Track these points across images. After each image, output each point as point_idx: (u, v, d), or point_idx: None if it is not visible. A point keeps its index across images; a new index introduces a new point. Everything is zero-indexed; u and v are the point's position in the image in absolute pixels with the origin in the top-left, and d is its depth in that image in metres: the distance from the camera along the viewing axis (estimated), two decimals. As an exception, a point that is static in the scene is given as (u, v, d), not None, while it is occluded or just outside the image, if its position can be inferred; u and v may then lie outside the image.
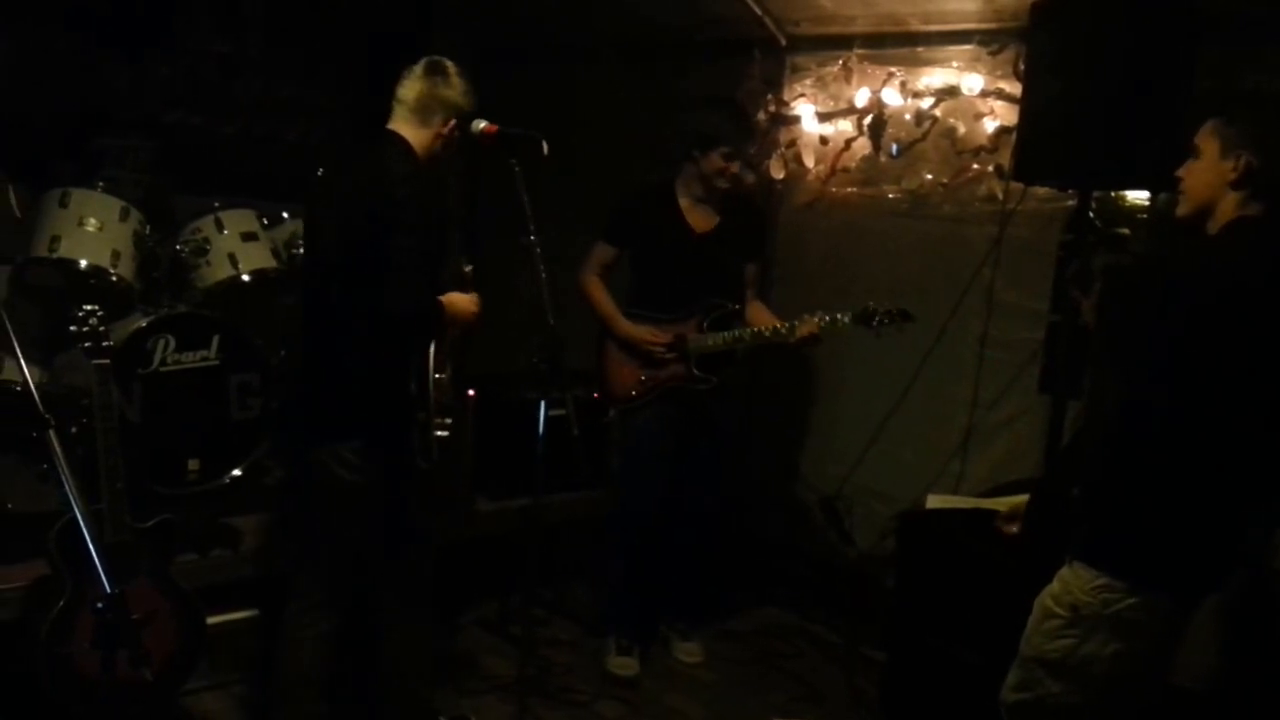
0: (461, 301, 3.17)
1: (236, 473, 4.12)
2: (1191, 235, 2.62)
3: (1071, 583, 2.64)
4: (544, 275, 2.98)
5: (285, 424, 3.21)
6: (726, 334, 4.10)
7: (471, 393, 4.33)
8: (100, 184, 4.10)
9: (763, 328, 4.08)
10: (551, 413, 3.07)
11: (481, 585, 4.53)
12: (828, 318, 3.91)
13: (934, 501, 3.88)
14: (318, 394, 3.14)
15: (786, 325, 3.99)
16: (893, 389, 4.54)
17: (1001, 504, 3.63)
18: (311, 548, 3.27)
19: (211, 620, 3.60)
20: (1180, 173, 2.61)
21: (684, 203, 4.18)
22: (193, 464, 4.01)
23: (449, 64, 3.14)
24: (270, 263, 4.25)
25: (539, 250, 2.98)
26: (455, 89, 3.12)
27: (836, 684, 4.34)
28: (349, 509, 3.13)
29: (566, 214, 4.14)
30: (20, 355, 2.42)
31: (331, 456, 3.05)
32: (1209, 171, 2.53)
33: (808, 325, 3.92)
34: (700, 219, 4.19)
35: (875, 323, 3.84)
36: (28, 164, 3.90)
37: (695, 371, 4.11)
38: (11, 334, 2.49)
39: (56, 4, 4.77)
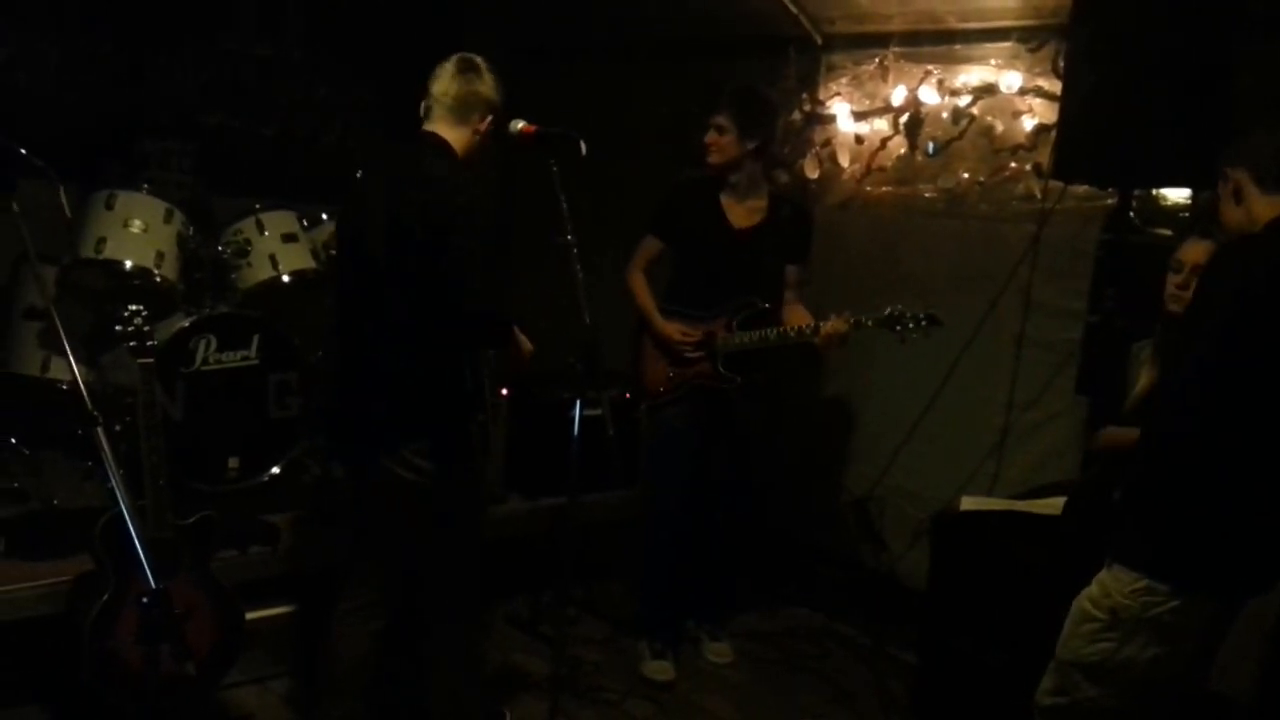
0: (525, 343, 3.19)
1: (275, 470, 4.17)
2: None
3: (1111, 586, 2.63)
4: (580, 274, 2.99)
5: (327, 425, 3.23)
6: (753, 334, 4.07)
7: (505, 391, 4.36)
8: (145, 186, 4.15)
9: (788, 328, 4.03)
10: (586, 412, 3.07)
11: (514, 583, 4.56)
12: (853, 319, 3.86)
13: (968, 503, 3.86)
14: (375, 398, 3.10)
15: (811, 325, 3.94)
16: (927, 389, 4.53)
17: (1037, 506, 3.63)
18: (370, 548, 3.26)
19: (249, 616, 3.65)
20: None
21: (726, 199, 4.13)
22: (233, 462, 4.07)
23: (479, 60, 3.12)
24: (310, 263, 4.29)
25: (575, 250, 2.99)
26: (489, 85, 3.10)
27: (866, 686, 4.33)
28: (412, 510, 3.12)
29: (597, 214, 4.14)
30: (70, 355, 2.45)
31: (396, 460, 3.04)
32: (1222, 202, 2.68)
33: (832, 326, 3.87)
34: (741, 215, 4.13)
35: (900, 327, 3.79)
36: (75, 166, 3.95)
37: (720, 370, 4.10)
38: (61, 333, 2.52)
39: (100, 9, 4.84)
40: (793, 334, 4.00)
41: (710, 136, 4.04)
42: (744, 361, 4.10)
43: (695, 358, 4.12)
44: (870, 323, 3.83)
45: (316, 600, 3.97)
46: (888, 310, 3.82)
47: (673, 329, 4.14)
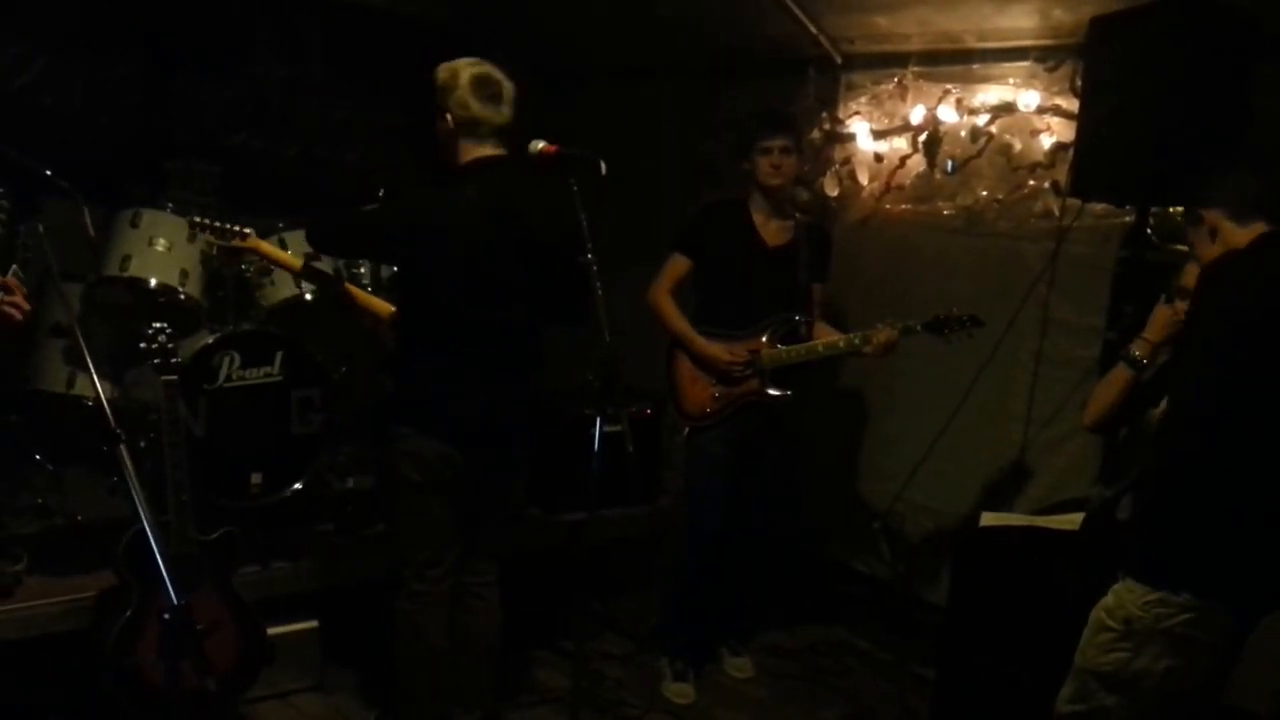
0: None
1: (298, 486, 4.18)
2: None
3: (1125, 596, 2.67)
4: (600, 293, 3.01)
5: (465, 415, 3.33)
6: (800, 346, 4.08)
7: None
8: (170, 205, 4.20)
9: (837, 339, 4.06)
10: (606, 429, 3.09)
11: (534, 598, 4.57)
12: (901, 326, 3.90)
13: (988, 519, 3.85)
14: (525, 391, 3.45)
15: (860, 336, 3.98)
16: (946, 405, 4.52)
17: (1056, 522, 3.63)
18: (498, 522, 3.58)
19: (271, 631, 3.67)
20: None
21: (758, 217, 4.16)
22: (255, 477, 4.08)
23: None
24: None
25: (595, 268, 3.01)
26: None
27: (887, 702, 4.33)
28: None
29: (616, 233, 4.15)
30: (94, 372, 2.49)
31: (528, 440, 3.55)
32: (1198, 244, 2.79)
33: (882, 335, 3.91)
34: (773, 233, 4.17)
35: (946, 330, 3.85)
36: (100, 186, 3.99)
37: (770, 386, 4.12)
38: (86, 351, 2.56)
39: (125, 31, 4.89)
40: (841, 345, 4.03)
41: (776, 159, 4.06)
42: (787, 376, 4.11)
43: (744, 376, 4.12)
44: (919, 328, 3.87)
45: (338, 615, 4.01)
46: (933, 315, 3.87)
47: (719, 349, 4.12)
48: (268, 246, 3.85)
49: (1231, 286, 2.61)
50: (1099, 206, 4.02)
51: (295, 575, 3.97)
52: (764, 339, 4.11)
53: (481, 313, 3.25)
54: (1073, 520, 3.54)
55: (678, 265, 4.21)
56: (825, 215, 4.92)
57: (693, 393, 4.20)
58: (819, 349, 4.08)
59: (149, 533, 2.32)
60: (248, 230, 3.81)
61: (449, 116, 3.23)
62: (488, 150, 3.25)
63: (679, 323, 4.19)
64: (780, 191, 4.13)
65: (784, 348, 4.10)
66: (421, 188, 3.34)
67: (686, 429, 4.29)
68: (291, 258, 3.90)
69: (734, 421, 4.16)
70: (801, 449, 4.68)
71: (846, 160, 4.93)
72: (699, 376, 4.18)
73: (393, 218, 3.29)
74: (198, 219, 3.82)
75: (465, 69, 3.23)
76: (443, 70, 3.26)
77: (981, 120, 4.44)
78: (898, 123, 4.75)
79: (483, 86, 3.21)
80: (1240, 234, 2.66)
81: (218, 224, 3.79)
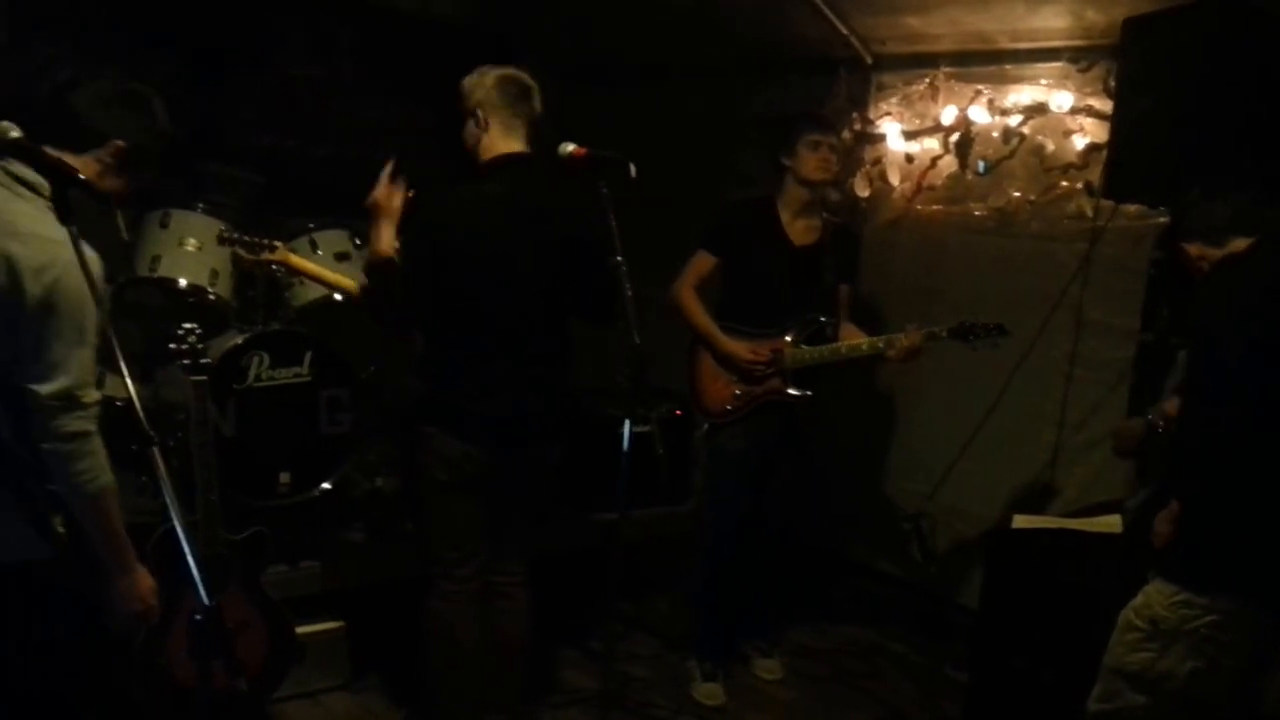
0: None
1: (326, 486, 4.19)
2: None
3: (1153, 596, 2.69)
4: (629, 294, 3.00)
5: (483, 419, 3.31)
6: (823, 348, 4.07)
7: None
8: (200, 205, 4.22)
9: (859, 341, 4.04)
10: (636, 429, 3.08)
11: (563, 599, 4.57)
12: (926, 331, 3.87)
13: (1020, 521, 3.83)
14: (555, 394, 3.44)
15: (884, 339, 3.96)
16: (978, 406, 4.50)
17: (1089, 524, 3.60)
18: (522, 524, 3.58)
19: (300, 630, 3.68)
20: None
21: (784, 216, 4.15)
22: (284, 477, 4.09)
23: None
24: (363, 281, 4.32)
25: (624, 270, 3.00)
26: None
27: (917, 705, 4.30)
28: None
29: (645, 234, 4.13)
30: (126, 373, 2.49)
31: (555, 445, 3.52)
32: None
33: (906, 339, 3.88)
34: (800, 233, 4.16)
35: (971, 338, 3.81)
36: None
37: (791, 386, 4.10)
38: (118, 351, 2.56)
39: (156, 32, 4.92)
40: (865, 348, 4.01)
41: (825, 154, 4.06)
42: (809, 377, 4.10)
43: (765, 375, 4.11)
44: (942, 334, 3.84)
45: (367, 614, 4.01)
46: (959, 321, 3.83)
47: (741, 347, 4.12)
48: (297, 259, 3.91)
49: (1247, 281, 2.64)
50: (1132, 208, 4.00)
51: (323, 575, 3.98)
52: (787, 338, 4.10)
53: (505, 310, 3.26)
54: (1105, 523, 3.52)
55: (703, 262, 4.21)
56: (856, 216, 4.90)
57: (713, 390, 4.20)
58: (842, 350, 4.06)
59: (181, 535, 2.32)
60: (277, 243, 3.85)
61: (478, 113, 3.27)
62: (515, 146, 3.27)
63: (702, 319, 4.19)
64: (820, 187, 4.14)
65: (807, 348, 4.08)
66: (445, 187, 3.33)
67: (706, 426, 4.30)
68: (320, 270, 3.97)
69: (754, 420, 4.15)
70: (831, 449, 4.66)
71: (877, 161, 4.91)
72: (720, 374, 4.18)
73: (419, 243, 3.22)
74: (225, 233, 3.86)
75: (491, 70, 3.29)
76: (467, 79, 3.33)
77: (1014, 121, 4.42)
78: (929, 123, 4.73)
79: (509, 84, 3.27)
80: (1221, 255, 2.75)
81: (246, 238, 3.84)
